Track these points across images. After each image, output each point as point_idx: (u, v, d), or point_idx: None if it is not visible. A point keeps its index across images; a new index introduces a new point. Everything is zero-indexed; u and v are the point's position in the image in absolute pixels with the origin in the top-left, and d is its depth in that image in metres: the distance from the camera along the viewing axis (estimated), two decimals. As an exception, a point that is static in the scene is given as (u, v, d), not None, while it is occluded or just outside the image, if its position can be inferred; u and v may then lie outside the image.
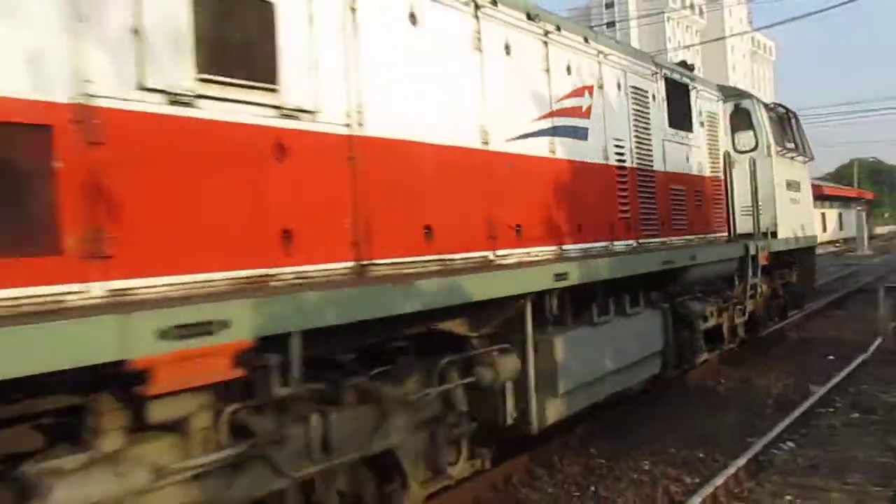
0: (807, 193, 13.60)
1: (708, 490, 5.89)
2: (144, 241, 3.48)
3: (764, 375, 10.44)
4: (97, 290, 3.28)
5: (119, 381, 3.18)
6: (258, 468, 3.92)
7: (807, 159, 13.57)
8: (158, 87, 3.57)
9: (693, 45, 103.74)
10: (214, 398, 3.68)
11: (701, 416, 8.54)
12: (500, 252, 5.94)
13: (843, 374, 10.03)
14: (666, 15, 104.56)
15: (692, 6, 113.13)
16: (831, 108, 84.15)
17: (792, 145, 12.58)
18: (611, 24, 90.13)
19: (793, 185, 12.55)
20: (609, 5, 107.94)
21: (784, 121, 12.65)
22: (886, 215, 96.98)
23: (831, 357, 11.49)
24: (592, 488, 6.47)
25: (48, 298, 3.10)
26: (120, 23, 3.44)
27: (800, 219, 12.78)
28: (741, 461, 6.57)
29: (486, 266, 5.69)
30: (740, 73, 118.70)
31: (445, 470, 5.40)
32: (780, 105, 12.83)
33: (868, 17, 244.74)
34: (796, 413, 8.15)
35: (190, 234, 3.68)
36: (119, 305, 3.26)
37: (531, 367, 5.82)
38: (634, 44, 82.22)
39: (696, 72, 10.57)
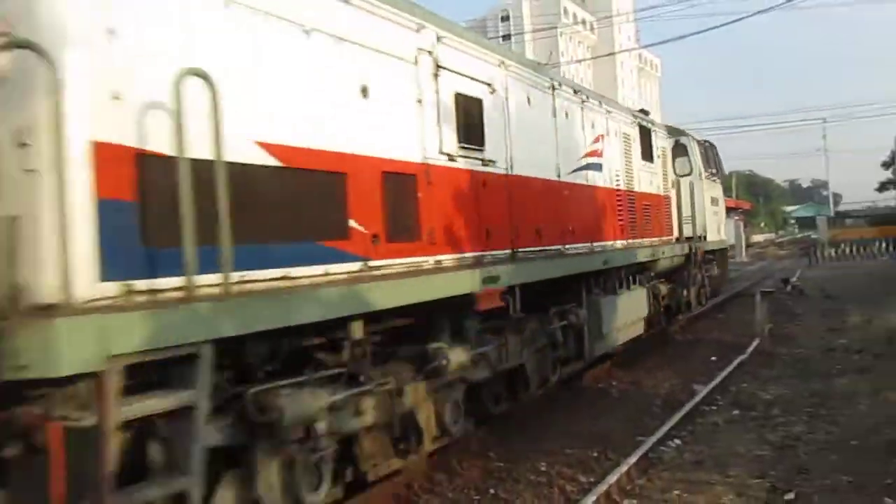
0: (722, 207, 17.65)
1: (602, 488, 6.08)
2: (444, 235, 6.35)
3: (652, 376, 10.89)
4: (430, 261, 6.11)
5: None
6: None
7: (722, 180, 17.76)
8: (445, 152, 6.55)
9: (584, 60, 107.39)
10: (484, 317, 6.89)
11: (594, 416, 8.81)
12: (567, 246, 8.93)
13: (725, 373, 10.60)
14: (559, 30, 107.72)
15: (584, 22, 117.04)
16: (713, 124, 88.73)
17: (714, 170, 16.78)
18: (506, 37, 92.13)
19: (714, 201, 16.56)
20: (504, 18, 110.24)
21: (707, 151, 16.31)
22: (762, 224, 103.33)
23: (714, 358, 12.12)
24: (492, 491, 6.54)
25: (415, 265, 5.90)
26: (434, 120, 6.40)
27: (719, 226, 17.20)
28: (632, 459, 6.81)
29: (560, 255, 8.71)
30: (628, 88, 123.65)
31: (549, 378, 8.77)
32: (706, 140, 16.63)
33: (744, 40, 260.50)
34: (682, 412, 8.54)
35: (458, 230, 6.60)
36: (455, 268, 6.39)
37: (587, 318, 9.26)
38: (529, 56, 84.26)
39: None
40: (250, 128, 4.33)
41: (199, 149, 3.78)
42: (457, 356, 6.17)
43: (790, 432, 7.72)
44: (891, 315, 15.36)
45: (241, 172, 4.13)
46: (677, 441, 7.64)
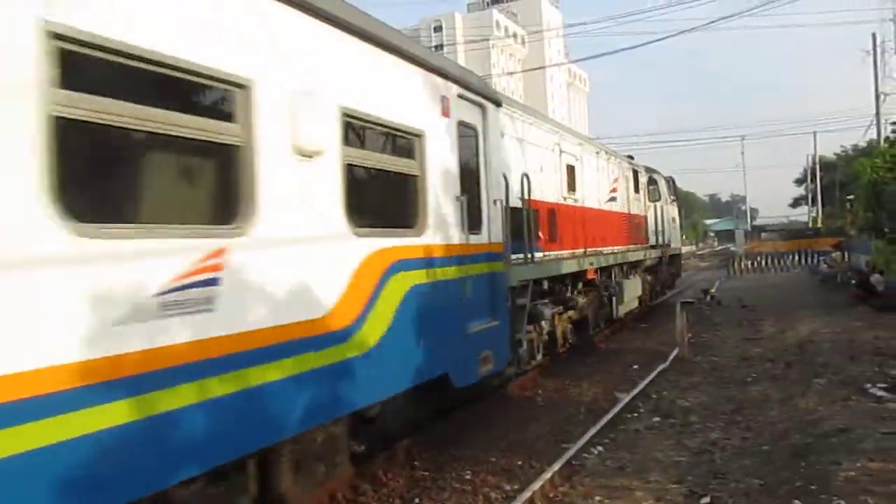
0: (678, 224, 25.24)
1: (525, 495, 6.13)
2: (565, 240, 12.31)
3: (577, 385, 11.07)
4: (564, 253, 12.10)
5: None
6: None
7: (679, 205, 25.51)
8: (564, 196, 12.55)
9: (515, 73, 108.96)
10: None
11: (520, 425, 8.89)
12: (604, 248, 14.58)
13: (646, 381, 10.85)
14: (491, 42, 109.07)
15: (515, 35, 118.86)
16: (638, 138, 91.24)
17: (674, 197, 23.85)
18: (439, 47, 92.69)
19: (673, 220, 23.55)
20: (437, 29, 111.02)
21: (670, 183, 23.25)
22: (684, 237, 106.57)
23: (636, 366, 12.40)
24: (416, 500, 6.53)
25: (557, 256, 11.79)
26: (560, 179, 12.56)
27: (677, 238, 24.48)
28: (556, 466, 6.90)
29: (602, 254, 14.22)
30: (558, 102, 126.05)
31: (601, 326, 14.86)
32: (669, 176, 23.40)
33: (670, 58, 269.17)
34: (605, 419, 8.70)
35: (569, 238, 12.56)
36: (573, 257, 12.40)
37: (616, 291, 15.04)
38: (462, 64, 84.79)
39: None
40: (536, 192, 10.55)
41: (516, 202, 9.77)
42: (580, 300, 12.91)
43: (707, 438, 7.97)
44: (801, 326, 16.08)
45: (545, 210, 11.47)
46: (600, 448, 7.78)
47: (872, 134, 32.86)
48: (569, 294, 12.34)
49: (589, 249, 13.21)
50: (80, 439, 3.42)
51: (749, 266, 39.51)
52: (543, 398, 10.48)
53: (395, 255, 6.23)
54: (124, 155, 4.15)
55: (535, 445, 8.00)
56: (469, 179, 7.79)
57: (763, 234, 48.00)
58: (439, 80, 7.23)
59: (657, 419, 8.95)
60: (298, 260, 5.08)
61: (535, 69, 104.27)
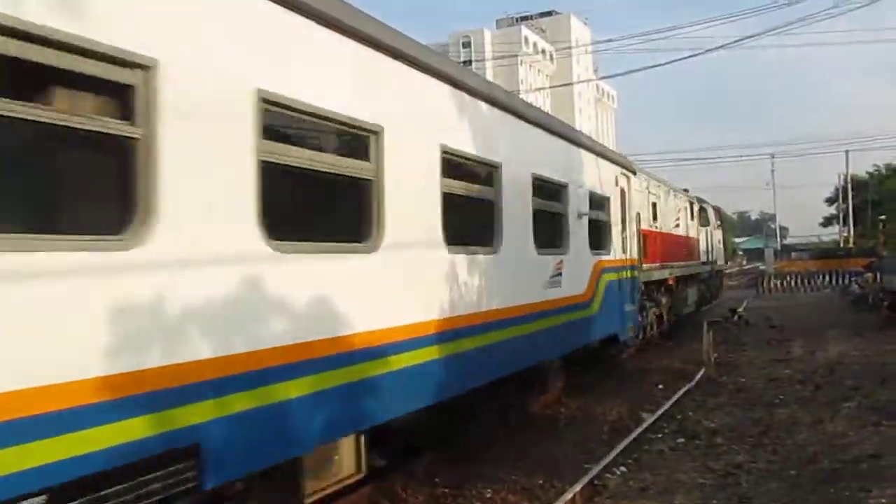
0: (722, 245, 30.27)
1: (546, 515, 6.08)
2: (655, 256, 16.30)
3: (601, 403, 10.96)
4: (654, 265, 16.18)
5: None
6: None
7: (724, 229, 31.24)
8: (651, 224, 16.30)
9: (544, 89, 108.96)
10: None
11: (542, 443, 8.81)
12: (673, 263, 18.28)
13: (671, 401, 10.73)
14: (519, 58, 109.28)
15: (543, 52, 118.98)
16: (670, 156, 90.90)
17: (719, 223, 28.97)
18: (467, 62, 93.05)
19: (720, 241, 28.77)
20: (466, 44, 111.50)
21: (717, 211, 28.58)
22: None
23: (661, 386, 12.26)
24: (436, 518, 6.49)
25: (651, 267, 15.85)
26: (651, 213, 16.70)
27: (721, 256, 29.78)
28: (577, 487, 6.84)
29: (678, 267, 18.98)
30: (585, 118, 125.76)
31: (682, 312, 20.20)
32: (716, 206, 28.73)
33: (701, 75, 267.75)
34: (629, 439, 8.61)
35: (655, 254, 16.44)
36: (660, 269, 16.83)
37: (684, 296, 20.35)
38: (490, 79, 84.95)
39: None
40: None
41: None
42: (662, 300, 17.32)
43: (733, 461, 7.84)
44: (831, 347, 15.80)
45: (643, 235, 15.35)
46: (623, 468, 7.70)
47: (906, 153, 32.30)
48: (655, 295, 16.79)
49: (665, 263, 17.36)
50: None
51: (778, 285, 38.96)
52: (566, 416, 10.38)
53: (602, 264, 11.43)
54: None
55: (558, 464, 7.92)
56: (623, 219, 12.93)
57: (793, 254, 47.21)
58: (616, 166, 12.81)
59: (682, 440, 8.84)
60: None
61: (563, 85, 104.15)
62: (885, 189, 18.54)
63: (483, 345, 7.30)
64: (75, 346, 3.41)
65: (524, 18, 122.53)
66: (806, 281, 39.66)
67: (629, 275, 13.02)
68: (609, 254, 11.78)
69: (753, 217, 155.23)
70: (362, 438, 5.86)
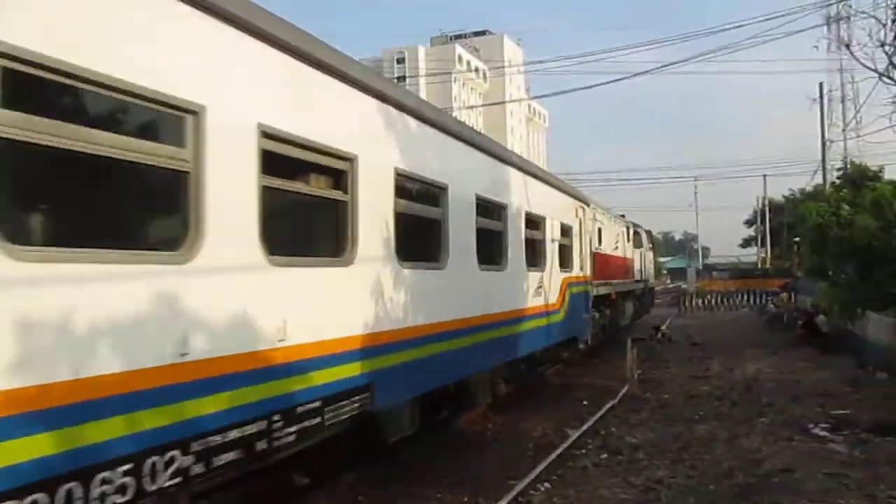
0: (653, 265, 33.78)
1: (470, 533, 6.05)
2: (600, 275, 18.08)
3: (527, 420, 11.02)
4: (596, 283, 17.40)
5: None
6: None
7: (654, 251, 35.46)
8: (597, 248, 18.03)
9: (476, 107, 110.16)
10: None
11: (468, 459, 8.80)
12: (613, 281, 20.42)
13: (595, 418, 10.88)
14: (453, 75, 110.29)
15: (477, 70, 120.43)
16: (597, 175, 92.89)
17: (650, 245, 31.53)
18: (401, 79, 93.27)
19: (650, 261, 31.39)
20: (400, 60, 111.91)
21: (648, 235, 30.48)
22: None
23: (586, 402, 12.42)
24: (358, 538, 6.38)
25: (596, 284, 17.83)
26: (596, 238, 18.21)
27: (652, 275, 32.83)
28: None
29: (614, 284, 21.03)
30: (517, 137, 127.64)
31: (621, 323, 23.15)
32: (648, 230, 31.08)
33: (628, 98, 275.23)
34: (553, 455, 8.68)
35: (601, 273, 18.41)
36: (605, 286, 19.12)
37: (623, 308, 23.34)
38: (423, 97, 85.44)
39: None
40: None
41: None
42: (606, 312, 19.78)
43: (653, 476, 7.98)
44: (748, 364, 16.35)
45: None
46: (547, 484, 7.74)
47: (819, 179, 33.90)
48: (601, 307, 18.80)
49: (608, 280, 19.51)
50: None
51: (700, 304, 40.20)
52: (493, 432, 10.40)
53: (568, 280, 14.11)
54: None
55: (484, 481, 7.91)
56: (581, 243, 15.62)
57: (714, 273, 48.78)
58: (576, 201, 15.76)
59: (605, 456, 8.95)
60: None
61: (496, 104, 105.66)
62: (799, 213, 19.52)
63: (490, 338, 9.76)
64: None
65: (458, 37, 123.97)
66: (726, 300, 41.05)
67: (585, 289, 15.96)
68: (572, 271, 14.58)
69: (677, 237, 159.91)
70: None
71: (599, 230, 18.82)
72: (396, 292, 7.02)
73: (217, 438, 4.61)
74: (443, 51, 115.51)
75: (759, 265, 57.62)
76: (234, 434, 4.76)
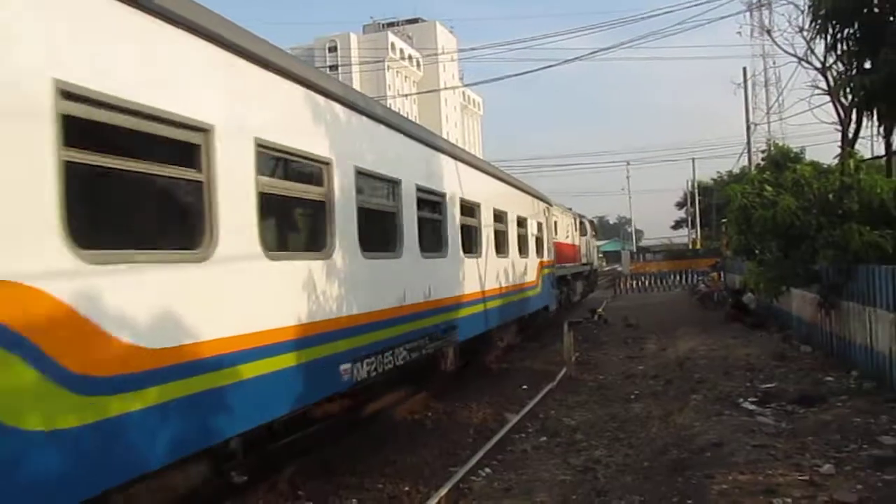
0: (596, 249, 41.70)
1: (411, 522, 6.05)
2: (558, 258, 23.30)
3: (466, 406, 11.08)
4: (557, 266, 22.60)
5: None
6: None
7: (598, 237, 47.16)
8: (557, 238, 24.57)
9: (410, 95, 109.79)
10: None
11: (407, 449, 8.79)
12: (567, 264, 25.94)
13: (535, 401, 11.01)
14: (386, 64, 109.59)
15: (410, 58, 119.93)
16: (533, 161, 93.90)
17: (594, 233, 39.72)
18: (333, 68, 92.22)
19: (595, 246, 40.47)
20: (332, 49, 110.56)
21: (592, 224, 38.30)
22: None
23: (525, 386, 12.56)
24: (299, 532, 6.31)
25: (554, 266, 22.66)
26: (553, 230, 23.20)
27: (595, 259, 40.62)
28: (443, 491, 6.85)
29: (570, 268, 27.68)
30: (452, 124, 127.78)
31: (573, 298, 28.69)
32: (592, 219, 41.67)
33: (559, 86, 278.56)
34: (493, 441, 8.74)
35: (558, 257, 23.35)
36: (562, 266, 24.68)
37: (575, 286, 29.03)
38: (356, 88, 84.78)
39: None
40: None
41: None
42: (563, 289, 24.90)
43: (591, 456, 8.13)
44: (681, 343, 16.79)
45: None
46: (488, 470, 7.80)
47: (745, 161, 34.97)
48: (559, 285, 23.12)
49: (564, 265, 24.55)
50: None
51: (634, 286, 41.08)
52: (433, 420, 10.43)
53: (542, 263, 19.38)
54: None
55: (424, 470, 7.93)
56: (549, 234, 21.02)
57: (647, 255, 49.84)
58: (544, 203, 20.78)
59: (544, 438, 9.07)
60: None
61: (429, 91, 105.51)
62: (725, 195, 20.11)
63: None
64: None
65: (391, 25, 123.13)
66: (659, 281, 42.05)
67: (552, 271, 21.27)
68: (544, 257, 19.72)
69: (611, 221, 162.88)
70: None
71: (555, 223, 23.46)
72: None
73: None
74: (375, 39, 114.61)
75: (691, 246, 59.21)
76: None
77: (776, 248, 14.51)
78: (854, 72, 7.31)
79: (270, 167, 6.43)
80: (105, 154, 4.50)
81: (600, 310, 25.60)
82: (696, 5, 57.63)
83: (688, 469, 7.18)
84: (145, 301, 4.68)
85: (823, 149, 79.32)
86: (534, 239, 18.37)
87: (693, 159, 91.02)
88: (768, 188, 14.33)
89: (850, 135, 17.28)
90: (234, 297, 5.63)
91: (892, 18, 6.92)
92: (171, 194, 5.51)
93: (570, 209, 29.89)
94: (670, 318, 23.32)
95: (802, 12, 12.50)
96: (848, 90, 7.56)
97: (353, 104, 8.06)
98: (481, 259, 13.05)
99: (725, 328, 19.10)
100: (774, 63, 47.56)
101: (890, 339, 9.78)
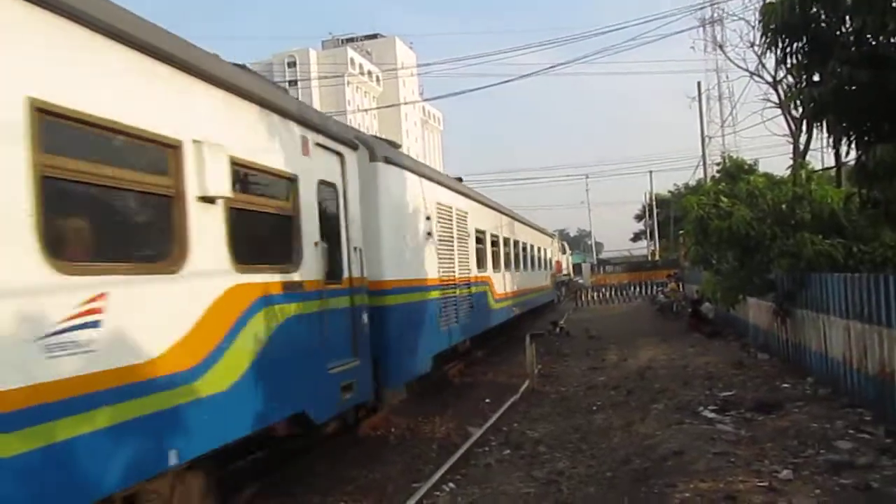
0: (570, 263, 59.73)
1: (374, 540, 5.97)
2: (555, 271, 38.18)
3: (430, 421, 11.02)
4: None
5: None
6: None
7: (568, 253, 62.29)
8: (548, 255, 35.55)
9: (370, 110, 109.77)
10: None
11: (371, 465, 8.70)
12: (558, 275, 42.46)
13: (498, 415, 10.99)
14: (346, 79, 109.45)
15: (370, 73, 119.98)
16: (492, 176, 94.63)
17: (570, 251, 66.04)
18: (293, 83, 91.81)
19: (570, 262, 59.24)
20: (291, 64, 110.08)
21: (567, 244, 65.77)
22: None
23: (488, 400, 12.54)
24: (259, 554, 6.18)
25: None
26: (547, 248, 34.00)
27: (571, 270, 57.18)
28: (406, 507, 6.78)
29: (558, 277, 41.98)
30: (413, 139, 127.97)
31: (561, 298, 42.17)
32: (563, 241, 58.15)
33: (519, 100, 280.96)
34: (457, 455, 8.69)
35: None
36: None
37: (561, 290, 44.39)
38: (315, 105, 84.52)
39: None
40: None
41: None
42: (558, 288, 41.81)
43: (555, 468, 8.12)
44: (642, 353, 16.95)
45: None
46: (452, 485, 7.74)
47: (701, 173, 35.61)
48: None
49: (555, 274, 35.56)
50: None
51: (596, 297, 41.46)
52: (396, 436, 10.34)
53: (551, 274, 35.27)
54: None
55: (387, 486, 7.85)
56: (552, 255, 35.31)
57: (608, 267, 50.47)
58: (551, 237, 36.62)
59: (508, 452, 9.05)
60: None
61: (389, 106, 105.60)
62: (682, 206, 20.46)
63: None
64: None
65: (350, 40, 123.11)
66: (620, 292, 42.58)
67: (555, 278, 34.39)
68: (551, 271, 32.94)
69: (572, 234, 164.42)
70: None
71: (544, 249, 31.40)
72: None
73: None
74: (335, 54, 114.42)
75: (650, 258, 60.04)
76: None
77: (732, 257, 14.76)
78: (803, 84, 7.48)
79: (526, 249, 17.84)
80: None
81: (562, 322, 25.74)
82: (647, 21, 58.75)
83: (650, 478, 7.21)
84: None
85: (776, 160, 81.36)
86: (546, 259, 31.30)
87: (651, 172, 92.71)
88: (724, 199, 14.58)
89: (802, 146, 17.69)
90: None
91: (839, 32, 7.11)
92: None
93: (555, 235, 40.91)
94: (631, 328, 23.55)
95: (753, 27, 12.82)
96: (798, 102, 7.75)
97: (534, 226, 22.17)
98: (535, 271, 26.95)
99: (685, 337, 19.34)
100: (727, 77, 48.87)
101: (843, 345, 9.98)
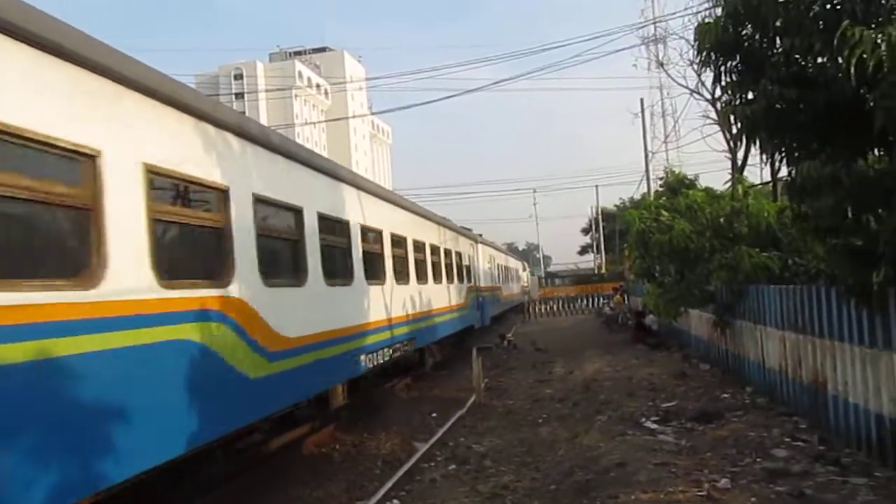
0: (528, 278, 55.76)
1: (315, 560, 5.88)
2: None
3: (375, 437, 10.93)
4: (504, 293, 36.48)
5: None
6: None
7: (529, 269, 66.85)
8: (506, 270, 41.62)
9: (318, 122, 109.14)
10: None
11: (313, 484, 8.58)
12: (524, 287, 51.09)
13: (444, 429, 10.96)
14: (294, 92, 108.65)
15: (318, 87, 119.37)
16: (440, 190, 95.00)
17: (528, 267, 64.79)
18: (239, 96, 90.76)
19: (528, 276, 55.95)
20: (238, 77, 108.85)
21: (525, 260, 69.29)
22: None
23: (434, 414, 12.50)
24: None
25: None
26: (490, 261, 31.67)
27: (524, 287, 50.10)
28: (349, 526, 6.69)
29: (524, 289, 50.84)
30: (361, 153, 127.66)
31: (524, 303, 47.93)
32: (524, 260, 64.12)
33: (466, 115, 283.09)
34: (401, 472, 8.63)
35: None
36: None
37: (524, 300, 47.45)
38: (263, 118, 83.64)
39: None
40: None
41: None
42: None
43: (500, 482, 8.12)
44: (588, 365, 17.13)
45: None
46: (396, 501, 7.68)
47: (645, 188, 36.29)
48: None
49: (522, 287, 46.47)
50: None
51: (544, 310, 41.83)
52: (341, 453, 10.22)
53: (520, 286, 48.20)
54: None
55: (330, 504, 7.74)
56: (498, 268, 34.72)
57: (556, 281, 51.04)
58: (522, 263, 55.19)
59: (453, 466, 9.02)
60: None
61: (337, 119, 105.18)
62: (624, 220, 20.89)
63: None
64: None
65: (298, 53, 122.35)
66: (568, 305, 43.07)
67: (521, 291, 45.79)
68: (519, 284, 45.59)
69: (521, 247, 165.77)
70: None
71: (503, 266, 35.87)
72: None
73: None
74: (282, 67, 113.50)
75: (596, 271, 60.87)
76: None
77: (673, 270, 15.06)
78: (738, 102, 7.69)
79: (492, 259, 22.48)
80: None
81: (510, 335, 25.87)
82: (592, 38, 59.92)
83: (593, 490, 7.27)
84: None
85: (717, 175, 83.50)
86: (521, 279, 43.26)
87: (597, 186, 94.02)
88: (664, 213, 14.88)
89: (739, 162, 18.17)
90: None
91: (770, 53, 7.33)
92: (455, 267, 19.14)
93: (521, 260, 50.55)
94: (577, 341, 23.80)
95: (692, 46, 13.12)
96: (733, 119, 7.98)
97: (491, 245, 27.95)
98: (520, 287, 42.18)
99: (629, 349, 19.62)
100: (669, 94, 49.92)
101: (779, 355, 10.26)
